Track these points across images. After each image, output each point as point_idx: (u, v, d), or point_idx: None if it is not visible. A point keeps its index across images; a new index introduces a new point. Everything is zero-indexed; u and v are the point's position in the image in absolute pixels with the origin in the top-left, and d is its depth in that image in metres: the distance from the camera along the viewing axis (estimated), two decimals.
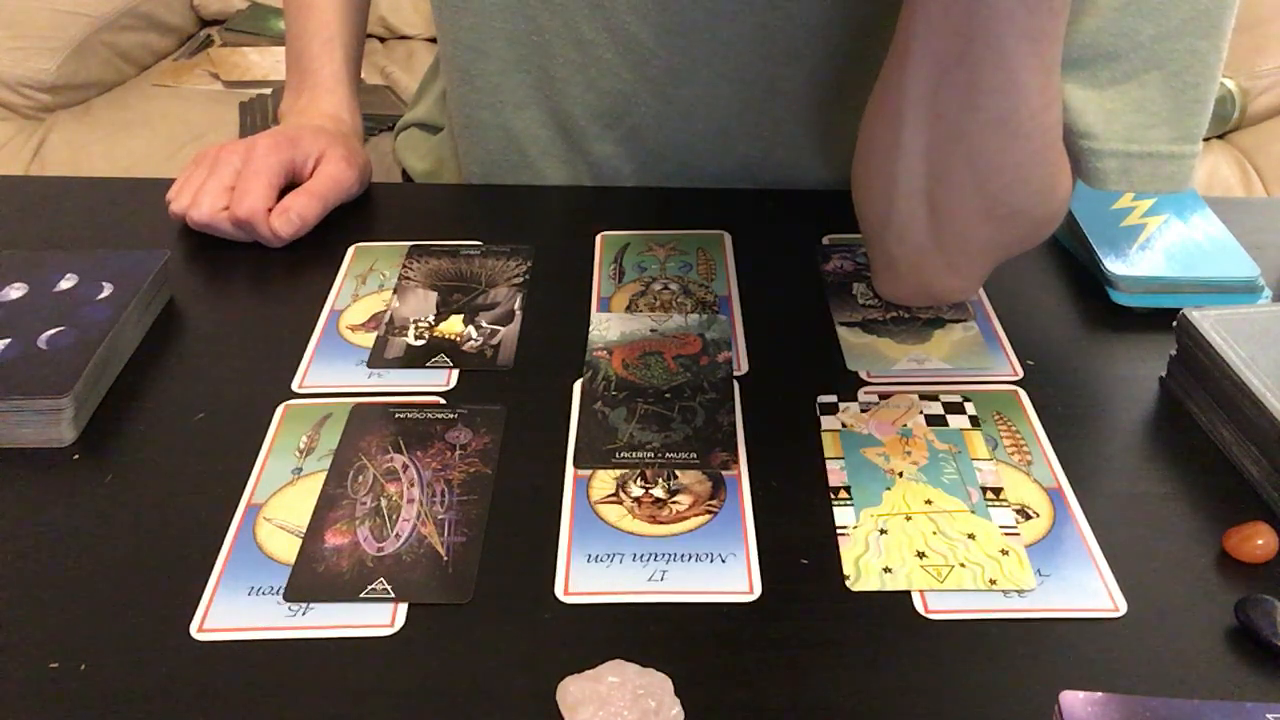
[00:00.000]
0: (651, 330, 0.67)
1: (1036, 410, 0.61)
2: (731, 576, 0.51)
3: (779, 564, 0.51)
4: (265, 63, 2.06)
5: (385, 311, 0.68)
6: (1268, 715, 0.42)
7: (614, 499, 0.55)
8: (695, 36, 0.75)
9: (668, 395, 0.61)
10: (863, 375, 0.63)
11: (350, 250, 0.75)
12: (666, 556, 0.52)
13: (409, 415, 0.60)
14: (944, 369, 0.64)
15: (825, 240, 0.76)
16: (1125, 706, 0.42)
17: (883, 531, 0.53)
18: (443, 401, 0.61)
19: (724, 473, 0.56)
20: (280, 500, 0.55)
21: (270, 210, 0.74)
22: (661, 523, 0.53)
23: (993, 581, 0.50)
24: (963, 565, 0.51)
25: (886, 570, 0.51)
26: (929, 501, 0.55)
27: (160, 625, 0.48)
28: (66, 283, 0.66)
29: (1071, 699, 0.42)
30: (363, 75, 0.92)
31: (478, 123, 0.83)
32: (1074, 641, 0.48)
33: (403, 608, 0.49)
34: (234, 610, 0.49)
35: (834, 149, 0.81)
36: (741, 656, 0.47)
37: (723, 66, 0.77)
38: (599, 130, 0.81)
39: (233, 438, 0.58)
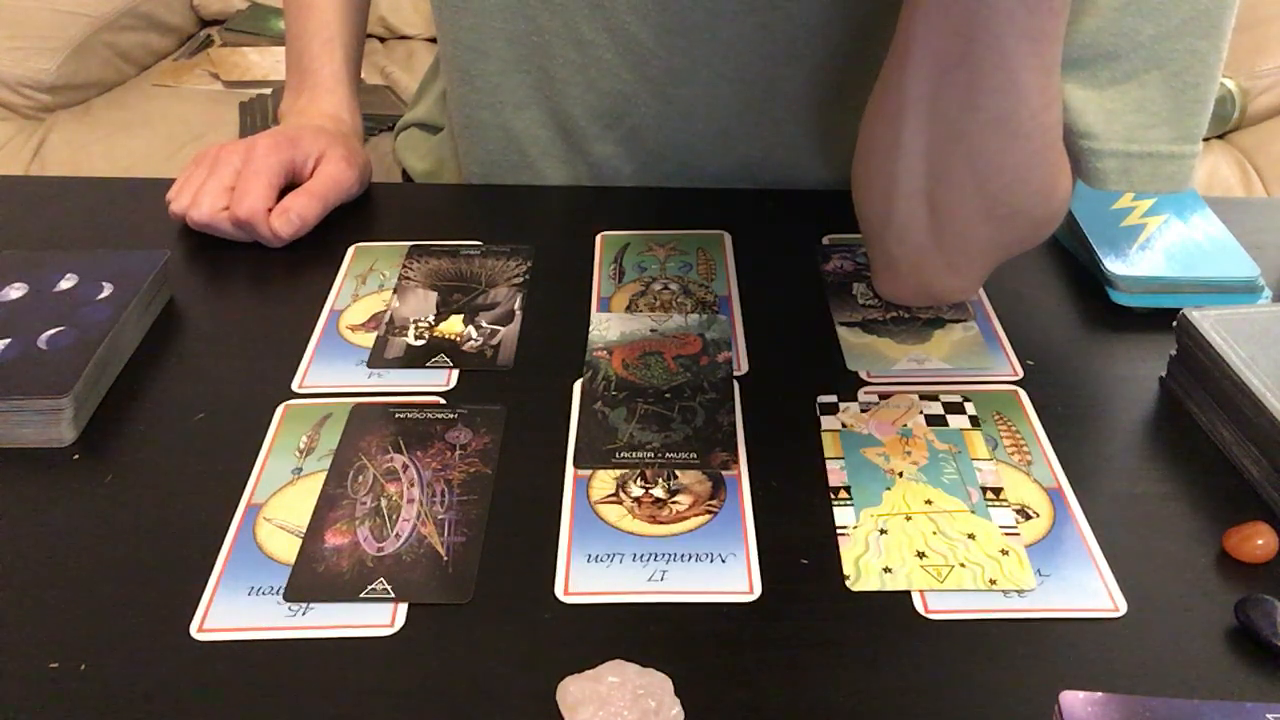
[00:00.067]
0: (651, 330, 0.67)
1: (1036, 410, 0.61)
2: (731, 576, 0.51)
3: (779, 564, 0.51)
4: (265, 63, 2.06)
5: (385, 311, 0.68)
6: (1268, 715, 0.42)
7: (614, 499, 0.55)
8: (695, 36, 0.75)
9: (668, 395, 0.61)
10: (863, 375, 0.63)
11: (350, 250, 0.75)
12: (666, 556, 0.52)
13: (409, 415, 0.60)
14: (944, 369, 0.64)
15: (825, 240, 0.76)
16: (1125, 706, 0.42)
17: (883, 531, 0.53)
18: (443, 401, 0.61)
19: (724, 473, 0.56)
20: (280, 500, 0.55)
21: (270, 210, 0.74)
22: (661, 523, 0.53)
23: (993, 581, 0.50)
24: (963, 565, 0.51)
25: (886, 570, 0.51)
26: (929, 501, 0.55)
27: (160, 625, 0.48)
28: (66, 283, 0.66)
29: (1071, 699, 0.42)
30: (363, 75, 0.92)
31: (478, 123, 0.83)
32: (1074, 641, 0.48)
33: (403, 608, 0.49)
34: (234, 610, 0.49)
35: (834, 149, 0.81)
36: (741, 656, 0.47)
37: (723, 66, 0.77)
38: (599, 130, 0.81)
39: (233, 438, 0.58)
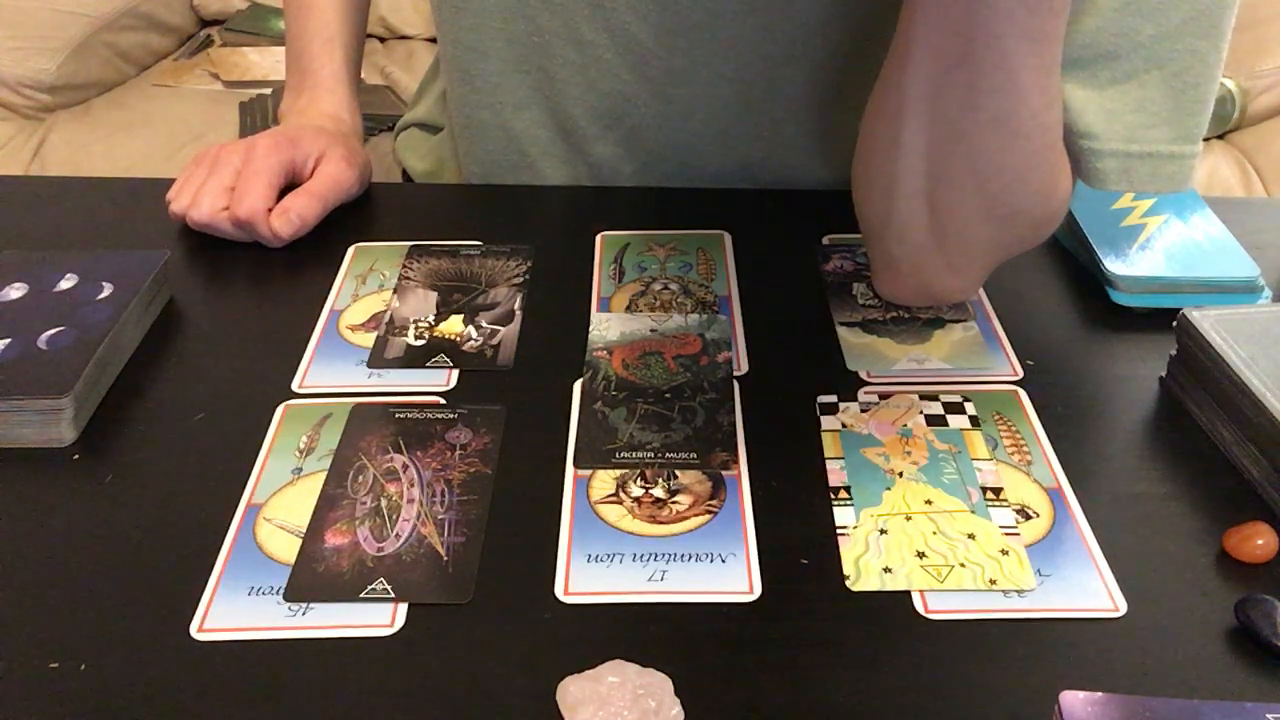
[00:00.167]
0: (651, 330, 0.67)
1: (1036, 410, 0.61)
2: (731, 576, 0.51)
3: (779, 564, 0.51)
4: (265, 63, 2.06)
5: (385, 311, 0.68)
6: (1268, 715, 0.42)
7: (614, 499, 0.55)
8: (695, 37, 0.75)
9: (668, 395, 0.61)
10: (863, 375, 0.63)
11: (350, 250, 0.75)
12: (666, 556, 0.52)
13: (409, 415, 0.60)
14: (944, 369, 0.64)
15: (825, 240, 0.76)
16: (1125, 706, 0.42)
17: (883, 531, 0.53)
18: (443, 401, 0.61)
19: (724, 473, 0.56)
20: (280, 500, 0.55)
21: (270, 210, 0.74)
22: (661, 523, 0.53)
23: (993, 581, 0.50)
24: (963, 565, 0.51)
25: (886, 570, 0.51)
26: (929, 501, 0.55)
27: (160, 625, 0.48)
28: (66, 283, 0.66)
29: (1071, 699, 0.42)
30: (363, 75, 0.92)
31: (478, 123, 0.83)
32: (1074, 641, 0.48)
33: (403, 608, 0.49)
34: (234, 610, 0.49)
35: (834, 149, 0.81)
36: (741, 656, 0.47)
37: (723, 66, 0.77)
38: (599, 131, 0.81)
39: (233, 438, 0.58)
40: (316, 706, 0.45)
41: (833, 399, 0.61)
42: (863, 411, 0.61)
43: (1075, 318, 0.69)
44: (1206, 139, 1.36)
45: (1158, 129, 0.59)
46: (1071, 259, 0.74)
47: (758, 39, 0.75)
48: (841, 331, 0.67)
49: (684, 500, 0.55)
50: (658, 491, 0.55)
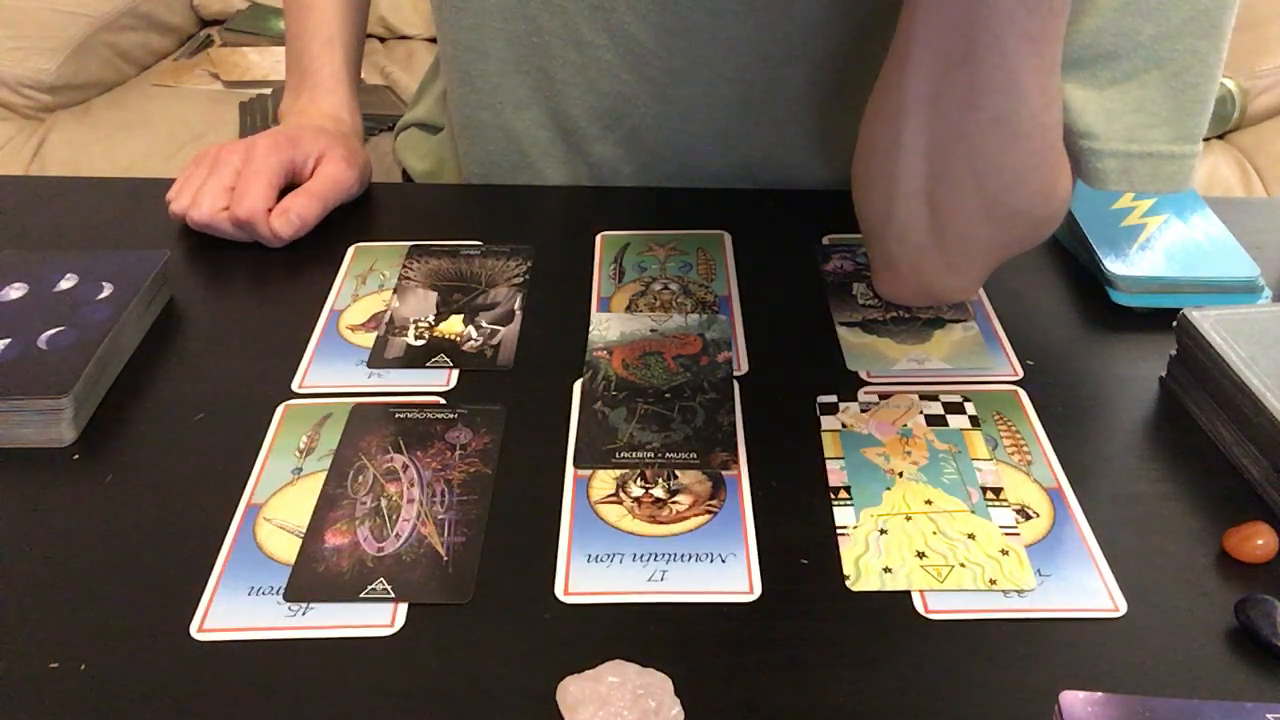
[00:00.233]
0: (651, 330, 0.67)
1: (1036, 410, 0.61)
2: (731, 576, 0.51)
3: (779, 564, 0.51)
4: (265, 63, 2.06)
5: (385, 311, 0.68)
6: (1268, 715, 0.42)
7: (614, 499, 0.55)
8: (695, 37, 0.75)
9: (668, 395, 0.61)
10: (863, 375, 0.63)
11: (350, 250, 0.75)
12: (666, 556, 0.52)
13: (409, 415, 0.60)
14: (944, 369, 0.64)
15: (825, 240, 0.76)
16: (1125, 706, 0.42)
17: (883, 531, 0.53)
18: (443, 401, 0.61)
19: (724, 473, 0.56)
20: (280, 500, 0.55)
21: (270, 210, 0.74)
22: (661, 523, 0.53)
23: (993, 581, 0.50)
24: (963, 565, 0.51)
25: (886, 570, 0.51)
26: (929, 501, 0.55)
27: (160, 625, 0.48)
28: (66, 283, 0.66)
29: (1071, 699, 0.42)
30: (363, 75, 0.92)
31: (478, 123, 0.83)
32: (1074, 641, 0.48)
33: (403, 608, 0.49)
34: (234, 610, 0.49)
35: (834, 149, 0.81)
36: (741, 656, 0.47)
37: (723, 66, 0.77)
38: (599, 131, 0.81)
39: (233, 438, 0.58)
40: (316, 706, 0.45)
41: (833, 399, 0.61)
42: (863, 411, 0.61)
43: (1075, 318, 0.69)
44: (1206, 139, 1.36)
45: (1158, 129, 0.59)
46: (1071, 259, 0.74)
47: (758, 39, 0.75)
48: (841, 331, 0.67)
49: (684, 500, 0.55)
50: (658, 491, 0.55)
